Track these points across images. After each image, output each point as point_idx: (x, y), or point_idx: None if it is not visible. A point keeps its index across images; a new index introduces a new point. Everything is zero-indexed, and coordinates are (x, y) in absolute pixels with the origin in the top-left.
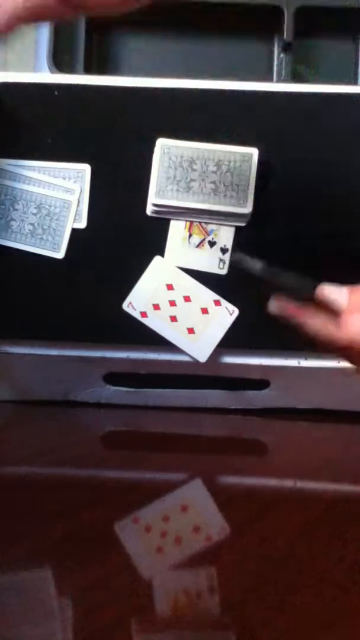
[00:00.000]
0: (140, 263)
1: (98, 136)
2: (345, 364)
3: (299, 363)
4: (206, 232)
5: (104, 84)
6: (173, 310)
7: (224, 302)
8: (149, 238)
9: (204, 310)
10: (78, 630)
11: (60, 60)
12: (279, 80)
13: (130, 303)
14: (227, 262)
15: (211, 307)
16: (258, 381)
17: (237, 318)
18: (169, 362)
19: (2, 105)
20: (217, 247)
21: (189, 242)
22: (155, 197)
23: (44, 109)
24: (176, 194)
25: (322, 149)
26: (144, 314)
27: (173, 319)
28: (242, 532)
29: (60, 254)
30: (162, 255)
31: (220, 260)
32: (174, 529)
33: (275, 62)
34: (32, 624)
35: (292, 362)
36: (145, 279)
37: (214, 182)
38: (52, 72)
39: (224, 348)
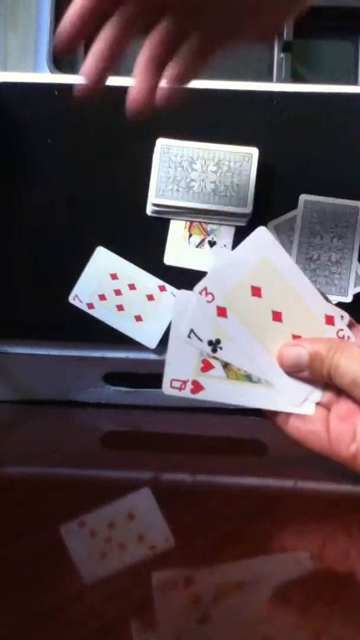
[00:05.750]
0: (141, 263)
1: (98, 136)
2: None
3: None
4: (206, 232)
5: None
6: (119, 300)
7: (169, 287)
8: (149, 238)
9: (150, 297)
10: (78, 630)
11: (60, 60)
12: (279, 80)
13: (76, 296)
14: None
15: (156, 293)
16: None
17: None
18: None
19: (2, 105)
20: (217, 247)
21: (189, 242)
22: (155, 197)
23: (44, 109)
24: (176, 194)
25: (322, 149)
26: (90, 306)
27: (120, 308)
28: (242, 532)
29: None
30: (162, 255)
31: None
32: (175, 528)
33: (275, 62)
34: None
35: None
36: (88, 270)
37: (214, 182)
38: (52, 72)
39: None
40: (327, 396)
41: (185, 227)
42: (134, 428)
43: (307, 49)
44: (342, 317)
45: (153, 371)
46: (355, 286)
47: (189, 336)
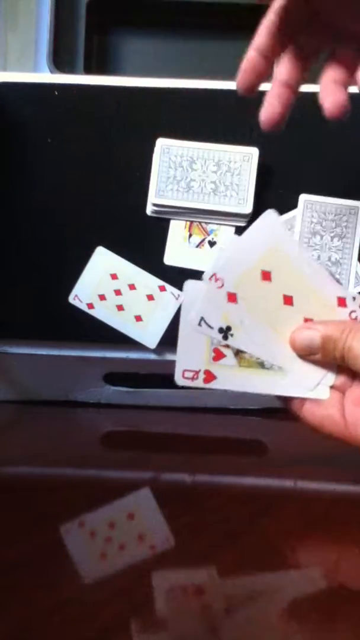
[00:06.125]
0: (141, 263)
1: (98, 136)
2: None
3: None
4: (206, 232)
5: (104, 84)
6: (119, 300)
7: (169, 287)
8: (149, 238)
9: (150, 297)
10: (77, 630)
11: (60, 60)
12: None
13: (76, 296)
14: None
15: (156, 293)
16: None
17: None
18: (169, 362)
19: (2, 105)
20: (217, 247)
21: (189, 242)
22: (155, 197)
23: (44, 109)
24: (176, 194)
25: (322, 149)
26: (90, 306)
27: (120, 308)
28: (242, 532)
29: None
30: (162, 255)
31: None
32: (175, 528)
33: (275, 62)
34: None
35: None
36: (88, 270)
37: (214, 182)
38: (52, 72)
39: None
40: (341, 379)
41: (185, 227)
42: (134, 428)
43: None
44: (354, 298)
45: (153, 371)
46: (355, 286)
47: (199, 324)
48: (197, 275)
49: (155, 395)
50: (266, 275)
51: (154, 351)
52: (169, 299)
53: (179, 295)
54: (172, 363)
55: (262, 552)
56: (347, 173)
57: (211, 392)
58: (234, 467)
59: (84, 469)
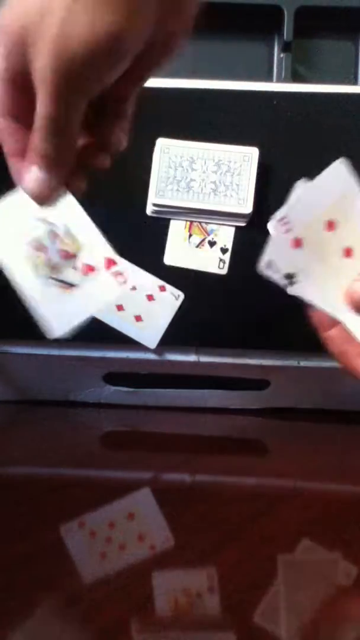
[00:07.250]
0: (141, 263)
1: None
2: None
3: (299, 363)
4: (206, 232)
5: None
6: (119, 300)
7: (169, 287)
8: (149, 238)
9: (150, 297)
10: (78, 630)
11: None
12: (279, 80)
13: None
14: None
15: (156, 294)
16: (258, 381)
17: (238, 318)
18: (169, 362)
19: None
20: (217, 247)
21: (189, 242)
22: (155, 197)
23: None
24: (176, 194)
25: (322, 149)
26: None
27: (120, 308)
28: (242, 532)
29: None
30: (162, 255)
31: (221, 260)
32: (175, 528)
33: (275, 62)
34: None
35: (292, 362)
36: None
37: (214, 182)
38: None
39: (224, 348)
40: None
41: (185, 227)
42: (134, 428)
43: (307, 49)
44: None
45: (153, 371)
46: None
47: (267, 267)
48: (197, 275)
49: (155, 395)
50: (330, 225)
51: (154, 351)
52: (169, 299)
53: (179, 296)
54: (172, 363)
55: (263, 552)
56: None
57: (211, 392)
58: (234, 467)
59: (84, 469)
